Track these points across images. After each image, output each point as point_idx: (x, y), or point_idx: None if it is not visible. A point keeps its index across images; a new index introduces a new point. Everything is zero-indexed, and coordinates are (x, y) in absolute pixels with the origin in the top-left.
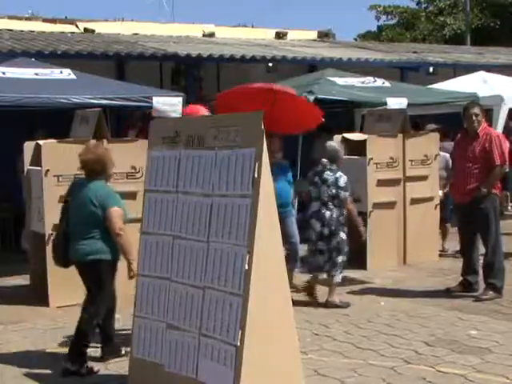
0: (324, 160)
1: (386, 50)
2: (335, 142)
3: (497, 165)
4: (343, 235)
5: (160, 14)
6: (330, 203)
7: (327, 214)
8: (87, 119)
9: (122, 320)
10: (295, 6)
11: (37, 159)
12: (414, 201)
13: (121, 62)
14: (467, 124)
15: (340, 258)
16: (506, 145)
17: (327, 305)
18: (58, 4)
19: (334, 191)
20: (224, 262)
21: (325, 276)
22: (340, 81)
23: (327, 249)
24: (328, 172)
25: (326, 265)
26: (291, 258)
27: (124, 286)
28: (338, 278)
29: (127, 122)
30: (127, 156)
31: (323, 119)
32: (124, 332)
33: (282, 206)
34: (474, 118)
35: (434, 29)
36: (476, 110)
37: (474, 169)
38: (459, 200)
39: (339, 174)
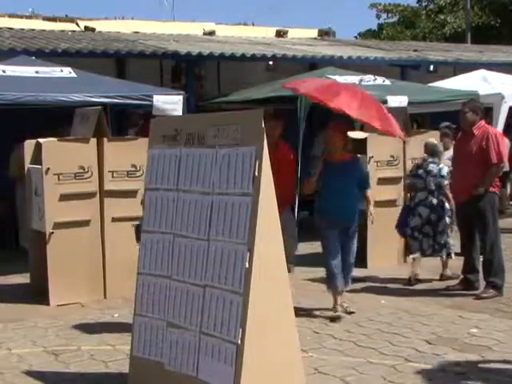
0: (425, 155)
1: (386, 48)
2: (433, 139)
3: (493, 163)
4: (448, 219)
5: (160, 12)
6: (436, 192)
7: (434, 201)
8: (87, 118)
9: (122, 318)
10: (296, 5)
11: (37, 157)
12: None
13: (121, 61)
14: (460, 121)
15: (443, 239)
16: (504, 143)
17: (442, 278)
18: (59, 2)
19: (438, 180)
20: (224, 261)
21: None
22: (340, 79)
23: (433, 232)
24: (432, 164)
25: (429, 248)
26: (347, 281)
27: (124, 285)
28: (447, 255)
29: (127, 121)
30: (127, 154)
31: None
32: None
33: (347, 220)
34: (461, 115)
35: (435, 27)
36: (465, 108)
37: (471, 167)
38: (458, 199)
39: (442, 165)
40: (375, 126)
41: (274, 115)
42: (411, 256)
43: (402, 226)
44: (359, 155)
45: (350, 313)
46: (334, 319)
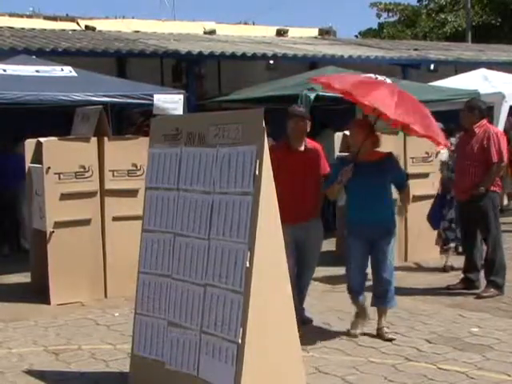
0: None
1: (387, 47)
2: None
3: (494, 162)
4: None
5: (161, 11)
6: None
7: None
8: (88, 117)
9: (123, 317)
10: (296, 4)
11: (38, 157)
12: (416, 198)
13: (122, 60)
14: (461, 120)
15: None
16: (505, 142)
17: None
18: (59, 2)
19: None
20: (225, 260)
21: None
22: None
23: None
24: None
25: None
26: (381, 298)
27: (124, 284)
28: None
29: (128, 120)
30: (128, 153)
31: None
32: None
33: (372, 229)
34: (463, 114)
35: (435, 26)
36: (466, 106)
37: (471, 166)
38: (459, 197)
39: None
40: (417, 131)
41: (296, 111)
42: (446, 247)
43: (433, 218)
44: None
45: (389, 340)
46: (349, 335)
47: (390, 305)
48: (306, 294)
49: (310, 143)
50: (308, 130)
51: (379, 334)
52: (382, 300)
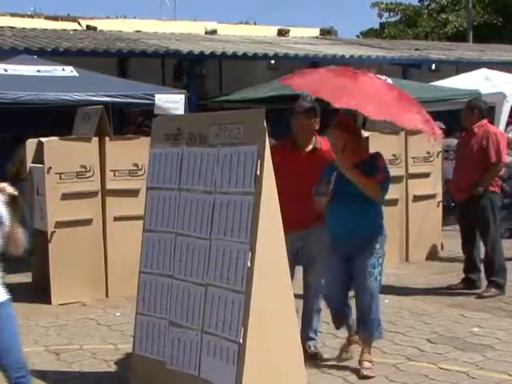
0: None
1: (388, 47)
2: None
3: (492, 162)
4: None
5: (162, 11)
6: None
7: (507, 188)
8: (89, 117)
9: (124, 317)
10: (297, 3)
11: (39, 157)
12: (417, 198)
13: (123, 60)
14: (462, 120)
15: None
16: (505, 143)
17: None
18: (60, 1)
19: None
20: (226, 260)
21: None
22: None
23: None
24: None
25: (506, 232)
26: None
27: (126, 284)
28: None
29: (129, 120)
30: (129, 153)
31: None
32: None
33: (349, 243)
34: (463, 113)
35: (436, 26)
36: (466, 106)
37: (471, 166)
38: (458, 197)
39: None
40: (402, 124)
41: (299, 106)
42: None
43: None
44: None
45: (364, 377)
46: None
47: (371, 337)
48: (312, 320)
49: (320, 142)
50: (317, 127)
51: (359, 365)
52: (361, 328)
